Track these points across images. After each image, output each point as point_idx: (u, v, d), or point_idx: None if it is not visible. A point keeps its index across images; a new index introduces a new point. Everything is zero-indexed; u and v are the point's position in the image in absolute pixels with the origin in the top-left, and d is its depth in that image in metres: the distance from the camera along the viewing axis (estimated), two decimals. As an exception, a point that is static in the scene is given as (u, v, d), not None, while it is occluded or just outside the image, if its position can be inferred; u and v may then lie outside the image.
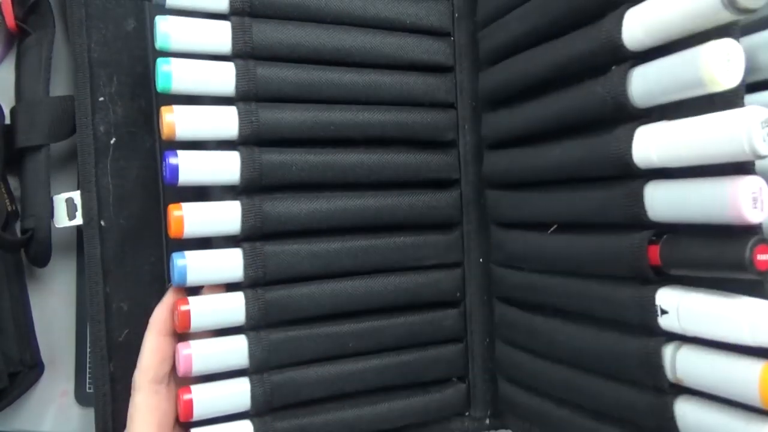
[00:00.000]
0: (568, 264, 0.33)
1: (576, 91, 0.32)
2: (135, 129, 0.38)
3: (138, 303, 0.37)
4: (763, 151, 0.23)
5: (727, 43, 0.24)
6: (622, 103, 0.29)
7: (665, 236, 0.28)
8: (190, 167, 0.34)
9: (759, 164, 0.25)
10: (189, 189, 0.35)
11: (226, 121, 0.35)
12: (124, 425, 0.34)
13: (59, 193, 0.40)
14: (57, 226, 0.40)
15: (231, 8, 0.35)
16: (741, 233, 0.25)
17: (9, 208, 0.42)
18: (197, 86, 0.34)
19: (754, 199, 0.24)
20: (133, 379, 0.35)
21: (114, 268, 0.37)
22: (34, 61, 0.42)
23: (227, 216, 0.35)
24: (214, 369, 0.35)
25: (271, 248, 0.36)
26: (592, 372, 0.33)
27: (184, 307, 0.34)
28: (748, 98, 0.27)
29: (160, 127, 0.34)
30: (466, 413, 0.42)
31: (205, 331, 0.35)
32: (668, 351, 0.28)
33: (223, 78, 0.35)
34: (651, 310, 0.28)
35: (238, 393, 0.35)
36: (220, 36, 0.35)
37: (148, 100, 0.39)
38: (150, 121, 0.39)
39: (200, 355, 0.34)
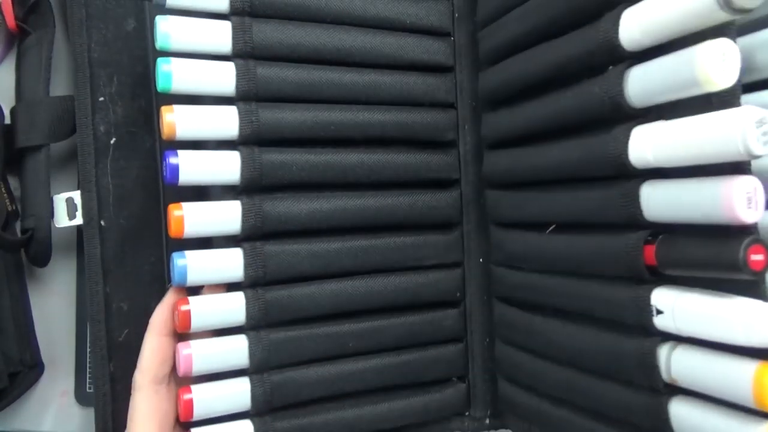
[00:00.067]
0: (567, 264, 0.34)
1: (574, 91, 0.32)
2: (135, 129, 0.38)
3: (138, 303, 0.37)
4: (757, 151, 0.23)
5: (722, 42, 0.24)
6: (619, 103, 0.29)
7: (661, 236, 0.28)
8: (191, 167, 0.34)
9: (757, 164, 0.25)
10: (189, 189, 0.35)
11: (226, 121, 0.35)
12: (124, 425, 0.34)
13: (59, 193, 0.40)
14: (57, 226, 0.40)
15: (231, 8, 0.35)
16: (736, 233, 0.25)
17: (9, 208, 0.42)
18: (197, 86, 0.34)
19: (749, 199, 0.24)
20: (133, 379, 0.35)
21: (114, 268, 0.37)
22: (34, 61, 0.42)
23: (227, 216, 0.35)
24: (215, 369, 0.35)
25: (272, 248, 0.36)
26: (590, 372, 0.33)
27: (184, 307, 0.34)
28: (746, 98, 0.27)
29: (161, 127, 0.34)
30: (466, 413, 0.42)
31: (206, 331, 0.35)
32: (663, 351, 0.28)
33: (224, 78, 0.35)
34: (647, 310, 0.28)
35: (239, 393, 0.35)
36: (220, 36, 0.35)
37: (148, 100, 0.39)
38: (150, 121, 0.39)
39: (200, 354, 0.34)
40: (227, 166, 0.35)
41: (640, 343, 0.29)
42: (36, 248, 0.41)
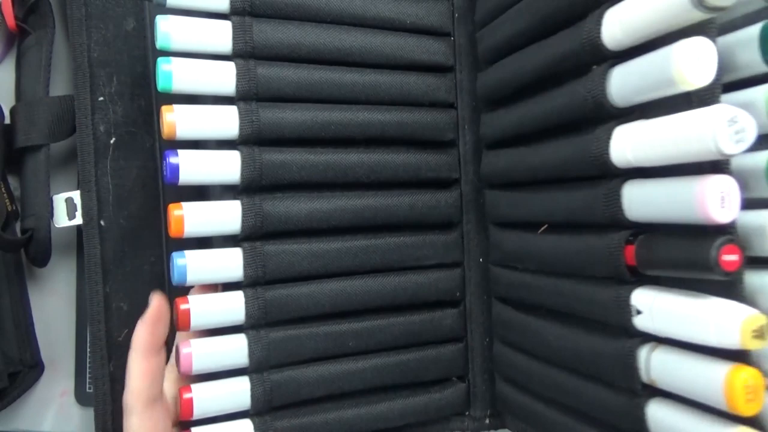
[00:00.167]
0: (557, 264, 0.34)
1: (562, 90, 0.32)
2: (135, 129, 0.38)
3: (138, 303, 0.37)
4: (728, 150, 0.23)
5: (698, 41, 0.24)
6: (602, 103, 0.29)
7: (640, 236, 0.28)
8: (191, 167, 0.34)
9: (739, 162, 0.25)
10: (189, 188, 0.35)
11: (226, 121, 0.35)
12: (123, 425, 0.34)
13: (59, 193, 0.40)
14: (57, 225, 0.40)
15: (232, 8, 0.35)
16: (711, 233, 0.24)
17: (9, 208, 0.42)
18: (198, 86, 0.34)
19: (722, 199, 0.24)
20: (123, 401, 0.33)
21: (114, 268, 0.37)
22: (34, 61, 0.42)
23: (227, 215, 0.35)
24: (215, 368, 0.35)
25: (271, 248, 0.36)
26: (576, 373, 0.33)
27: (184, 306, 0.34)
28: (727, 97, 0.27)
29: (161, 127, 0.34)
30: (466, 413, 0.42)
31: (205, 330, 0.35)
32: (643, 352, 0.28)
33: (224, 77, 0.35)
34: (627, 310, 0.28)
35: (238, 392, 0.35)
36: (220, 35, 0.35)
37: (148, 99, 0.39)
38: (150, 120, 0.39)
39: (200, 354, 0.34)
40: (227, 166, 0.35)
41: (621, 344, 0.29)
42: (36, 248, 0.41)
